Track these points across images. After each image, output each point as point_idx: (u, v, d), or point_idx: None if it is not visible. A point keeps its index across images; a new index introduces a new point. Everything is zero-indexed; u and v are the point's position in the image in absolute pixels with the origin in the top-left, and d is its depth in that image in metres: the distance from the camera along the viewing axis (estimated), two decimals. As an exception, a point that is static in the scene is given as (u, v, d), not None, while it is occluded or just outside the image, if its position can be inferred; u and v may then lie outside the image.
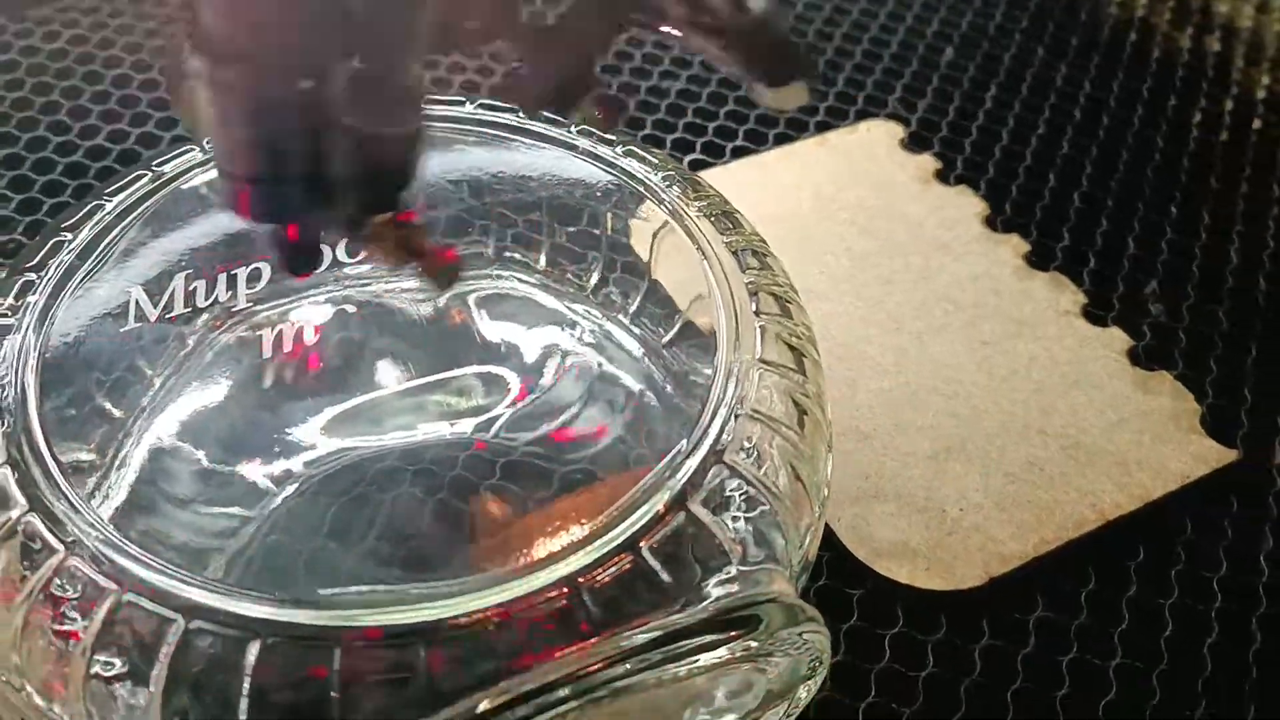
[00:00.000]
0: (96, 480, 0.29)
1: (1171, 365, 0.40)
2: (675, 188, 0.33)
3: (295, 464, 0.30)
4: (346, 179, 0.22)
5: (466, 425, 0.31)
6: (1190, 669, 0.33)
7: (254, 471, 0.30)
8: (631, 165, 0.33)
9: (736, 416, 0.27)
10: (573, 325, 0.36)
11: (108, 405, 0.30)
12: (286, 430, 0.30)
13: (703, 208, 0.33)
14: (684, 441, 0.27)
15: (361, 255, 0.31)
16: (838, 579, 0.34)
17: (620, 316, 0.36)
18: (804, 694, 0.27)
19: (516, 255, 0.36)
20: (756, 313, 0.30)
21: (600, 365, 0.35)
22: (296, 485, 0.30)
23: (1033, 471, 0.36)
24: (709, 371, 0.33)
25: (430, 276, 0.24)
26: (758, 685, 0.27)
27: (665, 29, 0.24)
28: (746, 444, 0.27)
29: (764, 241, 0.33)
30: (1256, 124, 0.50)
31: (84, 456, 0.29)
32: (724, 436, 0.27)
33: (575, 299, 0.36)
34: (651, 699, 0.25)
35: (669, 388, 0.35)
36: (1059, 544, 0.34)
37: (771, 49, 0.21)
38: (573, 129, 0.34)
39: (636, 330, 0.36)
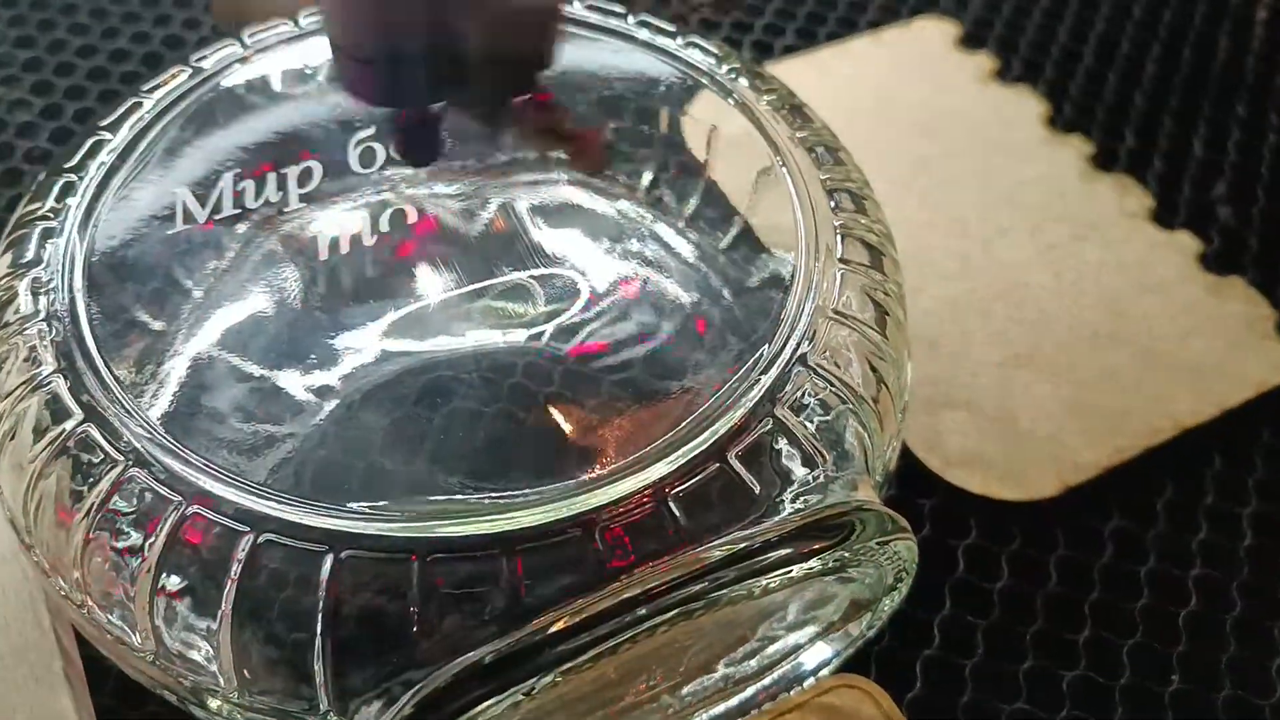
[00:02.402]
0: (138, 390, 0.28)
1: (1242, 270, 0.39)
2: (742, 79, 0.31)
3: (346, 372, 0.29)
4: (481, 59, 0.21)
5: (521, 334, 0.30)
6: (1271, 577, 0.32)
7: (302, 380, 0.29)
8: (694, 56, 0.32)
9: (819, 318, 0.26)
10: (626, 230, 0.34)
11: (150, 314, 0.28)
12: (336, 338, 0.29)
13: (772, 101, 0.31)
14: (766, 346, 0.25)
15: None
16: (908, 488, 0.33)
17: (674, 220, 0.34)
18: (888, 605, 0.26)
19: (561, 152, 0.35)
20: (835, 209, 0.29)
21: (655, 271, 0.34)
22: (346, 395, 0.28)
23: (1105, 379, 0.35)
24: (766, 276, 0.32)
25: (579, 160, 0.22)
26: (840, 596, 0.27)
27: None
28: (829, 346, 0.26)
29: (835, 136, 0.31)
30: (1323, 20, 0.48)
31: (126, 369, 0.28)
32: (807, 339, 0.26)
33: (627, 200, 0.35)
34: (731, 612, 0.24)
35: (727, 294, 0.33)
36: (1134, 453, 0.33)
37: None
38: (630, 20, 0.33)
39: (692, 234, 0.34)
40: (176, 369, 0.28)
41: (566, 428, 0.26)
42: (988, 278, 0.37)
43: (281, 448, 0.25)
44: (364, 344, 0.28)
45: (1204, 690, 0.30)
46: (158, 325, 0.28)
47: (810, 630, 0.27)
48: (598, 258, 0.33)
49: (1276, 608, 0.31)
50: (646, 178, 0.35)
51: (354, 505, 0.22)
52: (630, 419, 0.26)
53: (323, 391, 0.27)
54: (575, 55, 0.33)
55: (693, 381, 0.27)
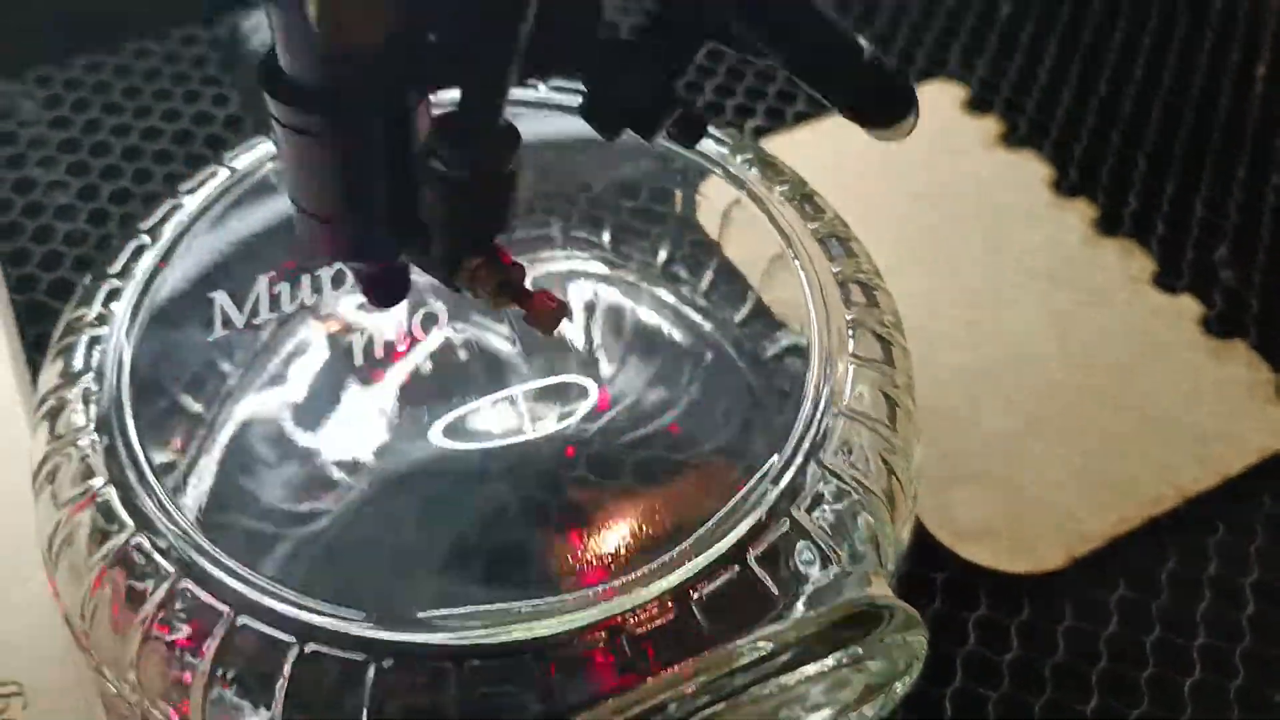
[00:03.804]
0: (181, 474, 0.30)
1: (1244, 333, 0.40)
2: (754, 170, 0.33)
3: (376, 476, 0.30)
4: (437, 220, 0.21)
5: (546, 435, 0.31)
6: (1273, 646, 0.33)
7: (335, 483, 0.30)
8: (708, 147, 0.33)
9: (832, 417, 0.27)
10: (644, 307, 0.36)
11: (191, 403, 0.30)
12: (367, 441, 0.30)
13: (784, 192, 0.32)
14: (782, 446, 0.27)
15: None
16: (921, 562, 0.34)
17: (691, 295, 0.36)
18: (899, 688, 0.28)
19: (583, 235, 0.36)
20: (846, 303, 0.30)
21: (674, 348, 0.35)
22: (376, 498, 0.30)
23: (1111, 447, 0.36)
24: (785, 344, 0.33)
25: (534, 322, 0.23)
26: (855, 682, 0.28)
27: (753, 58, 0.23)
28: (842, 444, 0.27)
29: (846, 225, 0.32)
30: (1323, 74, 0.49)
31: (168, 456, 0.29)
32: (821, 439, 0.27)
33: (644, 278, 0.36)
34: (754, 707, 0.25)
35: (745, 366, 0.34)
36: (1138, 522, 0.34)
37: (879, 90, 0.21)
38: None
39: (708, 309, 0.35)
40: (217, 470, 0.29)
41: (591, 531, 0.28)
42: (996, 346, 0.38)
43: (318, 550, 0.27)
44: (393, 447, 0.29)
45: (1209, 759, 0.31)
46: (200, 429, 0.29)
47: (827, 713, 0.28)
48: (613, 341, 0.34)
49: (1278, 677, 0.32)
50: (663, 254, 0.36)
51: (392, 614, 0.24)
52: (654, 521, 0.28)
53: (354, 494, 0.28)
54: (594, 141, 0.34)
55: (713, 479, 0.29)
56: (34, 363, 0.35)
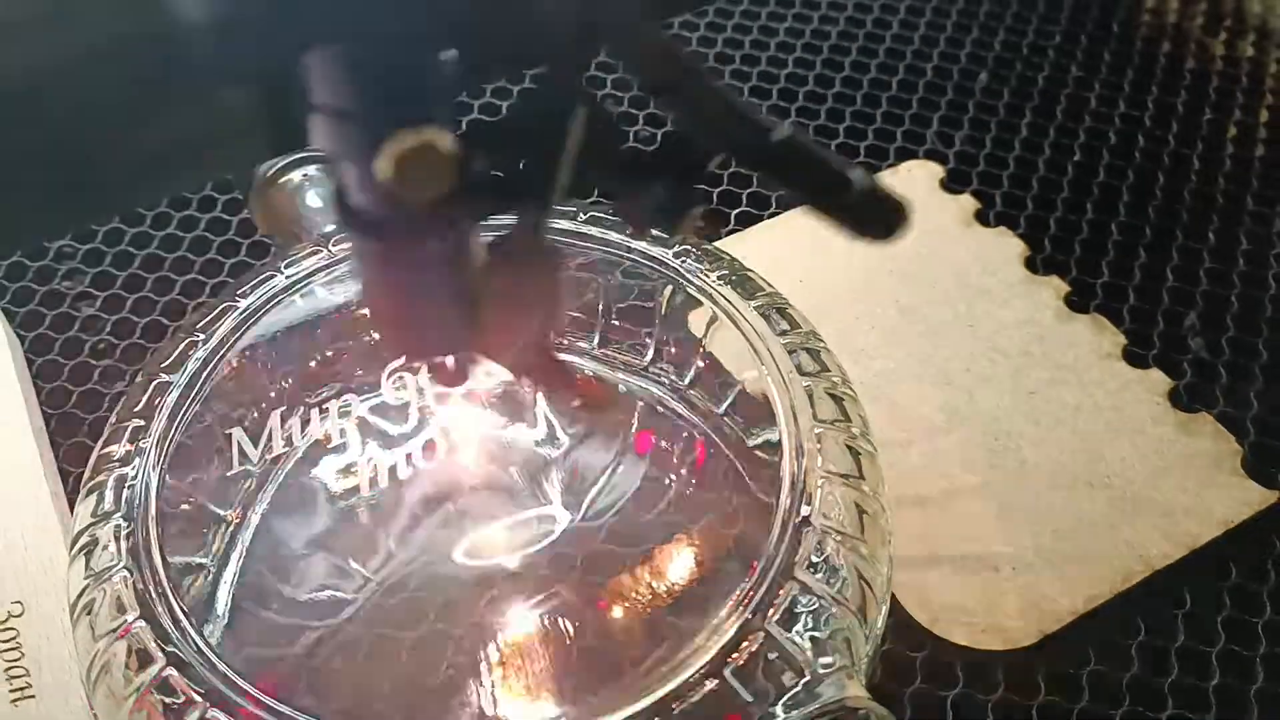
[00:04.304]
0: (211, 576, 0.32)
1: (1212, 403, 0.42)
2: (729, 287, 0.35)
3: (379, 566, 0.32)
4: (495, 325, 0.24)
5: (540, 537, 0.33)
6: (1239, 715, 0.35)
7: (343, 608, 0.32)
8: (687, 265, 0.35)
9: (803, 531, 0.29)
10: (631, 401, 0.38)
11: (212, 551, 0.32)
12: (373, 566, 0.33)
13: (759, 306, 0.34)
14: (753, 567, 0.29)
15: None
16: (901, 642, 0.36)
17: (676, 387, 0.38)
18: (878, 777, 0.30)
19: (574, 336, 0.38)
20: (815, 419, 0.32)
21: (661, 439, 0.37)
22: (377, 587, 0.32)
23: (1081, 525, 0.38)
24: (769, 437, 0.35)
25: (586, 404, 0.26)
26: (833, 774, 0.30)
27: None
28: (814, 557, 0.29)
29: (819, 337, 0.34)
30: (1292, 134, 0.51)
31: (197, 559, 0.32)
32: (792, 554, 0.29)
33: (633, 371, 0.38)
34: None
35: (729, 454, 0.36)
36: (1108, 597, 0.36)
37: (874, 212, 0.23)
38: (628, 231, 0.36)
39: (694, 400, 0.37)
40: (239, 576, 0.32)
41: (570, 654, 0.30)
42: (972, 428, 0.40)
43: (330, 675, 0.29)
44: (396, 554, 0.31)
45: (1176, 828, 0.33)
46: (216, 557, 0.32)
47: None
48: (601, 435, 0.36)
49: (1242, 745, 0.34)
50: (650, 353, 0.38)
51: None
52: (636, 638, 0.30)
53: (348, 595, 0.31)
54: (576, 262, 0.37)
55: (707, 566, 0.31)
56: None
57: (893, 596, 0.36)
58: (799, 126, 0.50)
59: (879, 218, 0.23)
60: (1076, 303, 0.44)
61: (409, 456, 0.32)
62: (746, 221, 0.47)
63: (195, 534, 0.32)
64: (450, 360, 0.29)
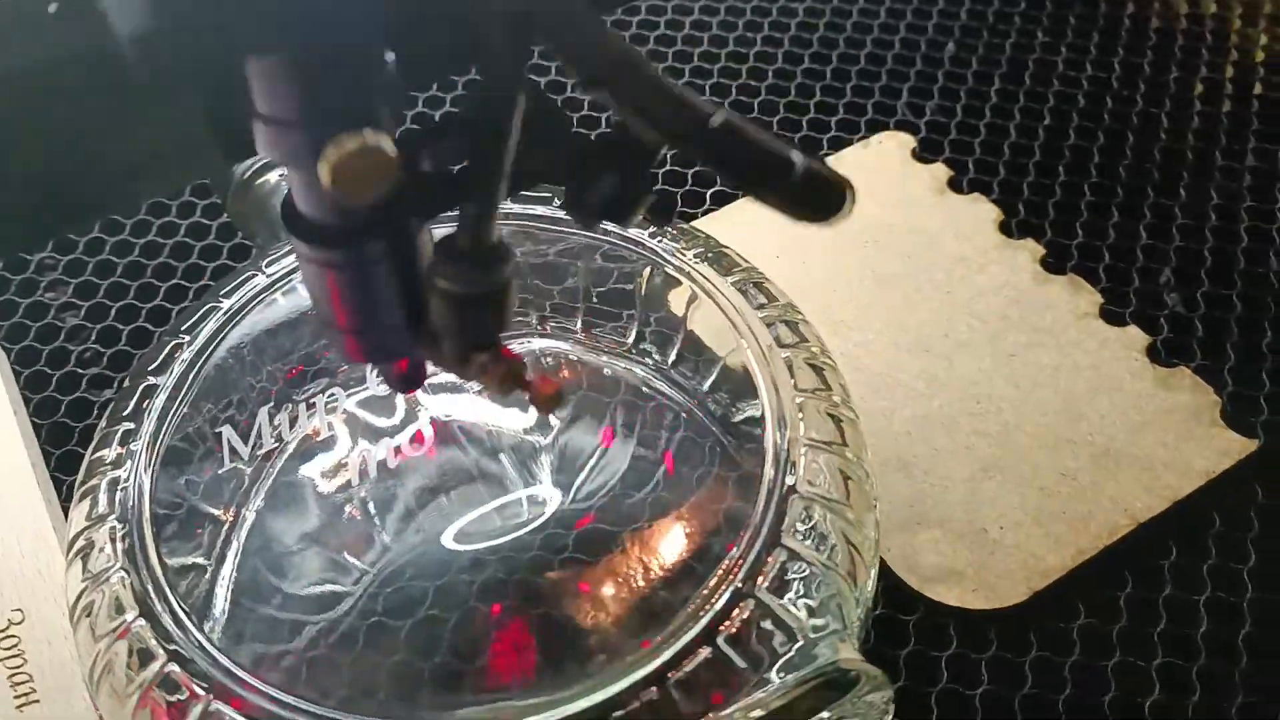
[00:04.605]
0: (209, 576, 0.32)
1: (1190, 357, 0.42)
2: (706, 264, 0.35)
3: (375, 558, 0.33)
4: (446, 326, 0.25)
5: (525, 535, 0.33)
6: (1227, 662, 0.35)
7: (335, 598, 0.33)
8: (664, 245, 0.36)
9: (788, 499, 0.30)
10: (617, 382, 0.38)
11: (207, 547, 0.33)
12: (361, 555, 0.33)
13: (736, 281, 0.35)
14: (742, 535, 0.29)
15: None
16: (893, 607, 0.36)
17: (660, 367, 0.38)
18: (874, 737, 0.30)
19: (557, 321, 0.39)
20: (796, 388, 0.32)
21: (647, 417, 0.38)
22: (374, 579, 0.32)
23: (1065, 483, 0.38)
24: (752, 413, 0.35)
25: (537, 404, 0.26)
26: (832, 738, 0.30)
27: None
28: (801, 524, 0.30)
29: (797, 310, 0.35)
30: (1258, 89, 0.51)
31: (194, 559, 0.32)
32: (779, 521, 0.29)
33: (616, 354, 0.39)
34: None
35: (715, 430, 0.37)
36: (1095, 552, 0.37)
37: (816, 193, 0.23)
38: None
39: (677, 379, 0.38)
40: (235, 574, 0.32)
41: (565, 632, 0.30)
42: (953, 393, 0.41)
43: (331, 667, 0.30)
44: (390, 544, 0.32)
45: (1170, 773, 0.33)
46: (212, 556, 0.32)
47: (809, 764, 0.31)
48: (588, 416, 0.37)
49: (1234, 690, 0.35)
50: (632, 333, 0.39)
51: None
52: (632, 604, 0.30)
53: (345, 588, 0.31)
54: (554, 248, 0.37)
55: (684, 554, 0.31)
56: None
57: (882, 561, 0.37)
58: (771, 104, 0.51)
59: (821, 199, 0.23)
60: (1052, 265, 0.45)
61: (397, 449, 0.32)
62: (720, 201, 0.47)
63: (190, 534, 0.32)
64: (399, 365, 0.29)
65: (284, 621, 0.32)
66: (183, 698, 0.27)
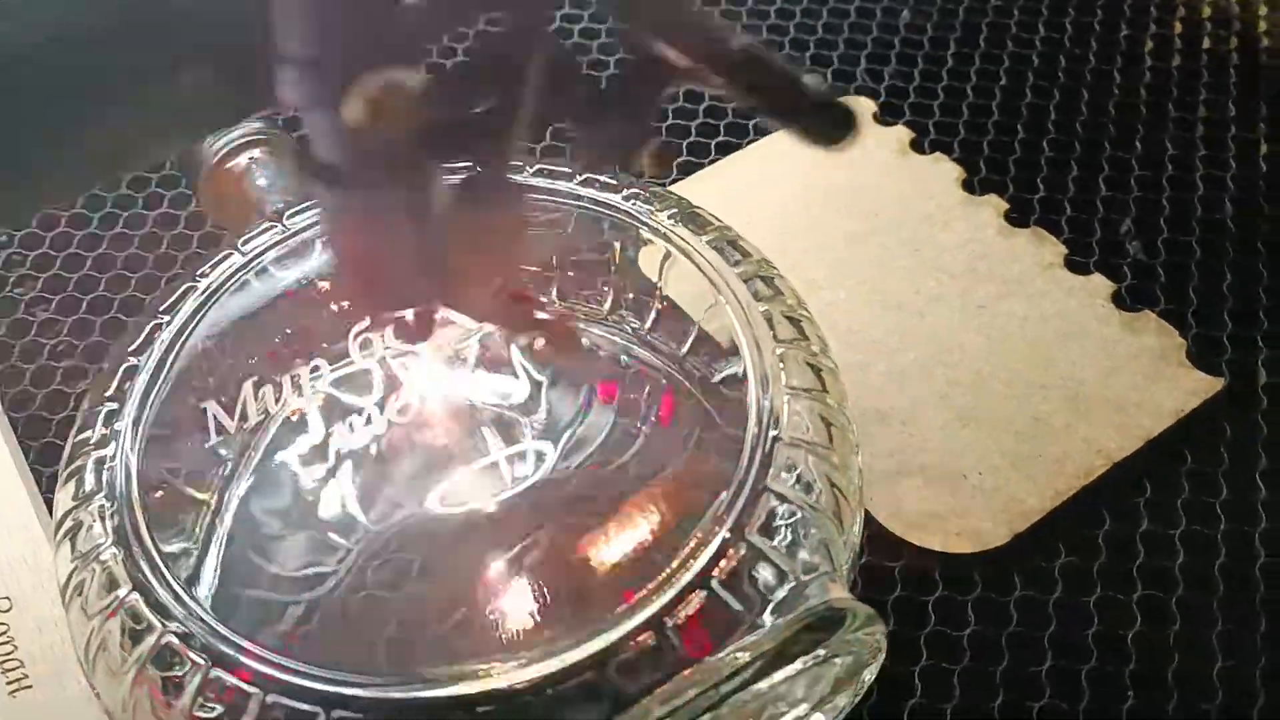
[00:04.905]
0: (195, 559, 0.32)
1: (1153, 302, 0.43)
2: (681, 225, 0.36)
3: (354, 545, 0.33)
4: (461, 269, 0.25)
5: (513, 492, 0.33)
6: (1204, 592, 0.36)
7: (314, 561, 0.33)
8: (637, 207, 0.36)
9: (774, 446, 0.30)
10: (595, 349, 0.38)
11: (195, 520, 0.33)
12: (346, 519, 0.33)
13: (710, 240, 0.35)
14: (731, 480, 0.30)
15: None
16: (878, 554, 0.37)
17: (638, 333, 0.38)
18: (867, 675, 0.31)
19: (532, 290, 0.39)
20: (775, 338, 0.33)
21: (627, 383, 0.38)
22: (356, 564, 0.32)
23: (1040, 427, 0.39)
24: (733, 370, 0.36)
25: (555, 344, 0.27)
26: (827, 676, 0.31)
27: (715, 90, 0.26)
28: (787, 468, 0.30)
29: (771, 264, 0.35)
30: (1206, 43, 0.52)
31: (181, 544, 0.32)
32: (766, 467, 0.30)
33: (593, 321, 0.39)
34: (737, 714, 0.28)
35: (696, 392, 0.37)
36: (1073, 493, 0.38)
37: (828, 118, 0.24)
38: (576, 180, 0.37)
39: (655, 344, 0.38)
40: (221, 558, 0.32)
41: (567, 576, 0.31)
42: (926, 346, 0.41)
43: (324, 640, 0.30)
44: (379, 516, 0.32)
45: (1157, 702, 0.34)
46: (200, 540, 0.32)
47: (805, 706, 0.31)
48: (568, 383, 0.37)
49: (1212, 619, 0.36)
50: (608, 301, 0.39)
51: (400, 675, 0.27)
52: (623, 559, 0.31)
53: (351, 560, 0.31)
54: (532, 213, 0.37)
55: (683, 500, 0.32)
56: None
57: (865, 510, 0.37)
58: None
59: (831, 124, 0.24)
60: (1016, 219, 0.45)
61: (385, 423, 0.32)
62: (687, 171, 0.48)
63: (176, 515, 0.32)
64: (412, 315, 0.29)
65: (273, 601, 0.32)
66: (181, 670, 0.27)
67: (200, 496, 0.33)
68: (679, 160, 0.48)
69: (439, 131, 0.23)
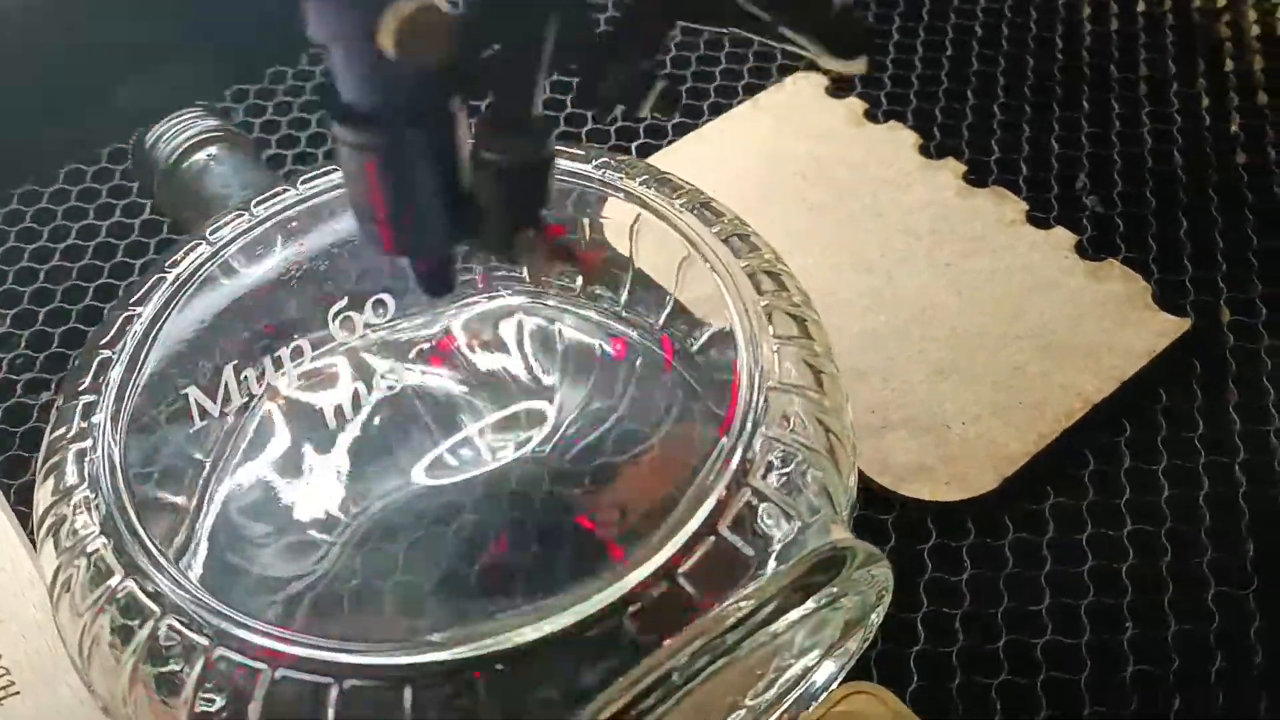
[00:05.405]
0: (185, 535, 0.32)
1: (1115, 251, 0.44)
2: (652, 189, 0.36)
3: (350, 519, 0.32)
4: (491, 206, 0.25)
5: (510, 456, 0.33)
6: (1190, 521, 0.37)
7: (317, 514, 0.32)
8: (607, 175, 0.36)
9: (767, 393, 0.30)
10: (571, 327, 0.38)
11: (184, 503, 0.32)
12: (340, 489, 0.33)
13: (683, 203, 0.35)
14: (730, 427, 0.29)
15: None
16: (870, 508, 0.37)
17: (613, 309, 0.38)
18: (875, 618, 0.31)
19: (502, 273, 0.39)
20: (759, 291, 0.33)
21: (603, 357, 0.38)
22: (353, 537, 0.32)
23: (1017, 376, 0.40)
24: (708, 336, 0.36)
25: (587, 272, 0.27)
26: (835, 620, 0.31)
27: (716, 28, 0.26)
28: (781, 414, 0.30)
29: (745, 223, 0.35)
30: (1141, 5, 0.54)
31: (174, 499, 0.31)
32: (761, 414, 0.30)
33: (567, 300, 0.39)
34: (748, 658, 0.28)
35: (676, 363, 0.37)
36: (1055, 436, 0.38)
37: (846, 30, 0.24)
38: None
39: (631, 319, 0.38)
40: (210, 538, 0.31)
41: (575, 531, 0.30)
42: (898, 305, 0.42)
43: (321, 597, 0.29)
44: (375, 492, 0.31)
45: (1156, 631, 0.34)
46: (192, 506, 0.32)
47: (815, 653, 0.31)
48: (561, 360, 0.37)
49: (1202, 547, 0.36)
50: (580, 278, 0.39)
51: (414, 640, 0.26)
52: (627, 511, 0.30)
53: (334, 527, 0.31)
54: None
55: (672, 466, 0.32)
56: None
57: (855, 467, 0.37)
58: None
59: (850, 36, 0.24)
60: (974, 180, 0.46)
61: (368, 386, 0.32)
62: (645, 152, 0.48)
63: (161, 505, 0.31)
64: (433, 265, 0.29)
65: (266, 581, 0.31)
66: (184, 654, 0.26)
67: (190, 508, 0.33)
68: (637, 143, 0.48)
69: (465, 67, 0.23)
